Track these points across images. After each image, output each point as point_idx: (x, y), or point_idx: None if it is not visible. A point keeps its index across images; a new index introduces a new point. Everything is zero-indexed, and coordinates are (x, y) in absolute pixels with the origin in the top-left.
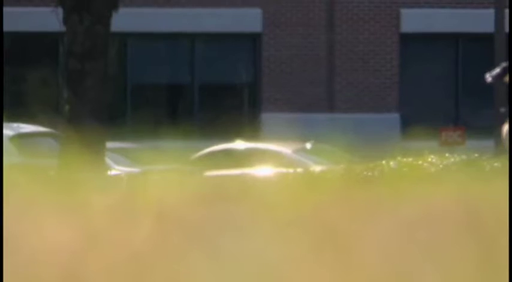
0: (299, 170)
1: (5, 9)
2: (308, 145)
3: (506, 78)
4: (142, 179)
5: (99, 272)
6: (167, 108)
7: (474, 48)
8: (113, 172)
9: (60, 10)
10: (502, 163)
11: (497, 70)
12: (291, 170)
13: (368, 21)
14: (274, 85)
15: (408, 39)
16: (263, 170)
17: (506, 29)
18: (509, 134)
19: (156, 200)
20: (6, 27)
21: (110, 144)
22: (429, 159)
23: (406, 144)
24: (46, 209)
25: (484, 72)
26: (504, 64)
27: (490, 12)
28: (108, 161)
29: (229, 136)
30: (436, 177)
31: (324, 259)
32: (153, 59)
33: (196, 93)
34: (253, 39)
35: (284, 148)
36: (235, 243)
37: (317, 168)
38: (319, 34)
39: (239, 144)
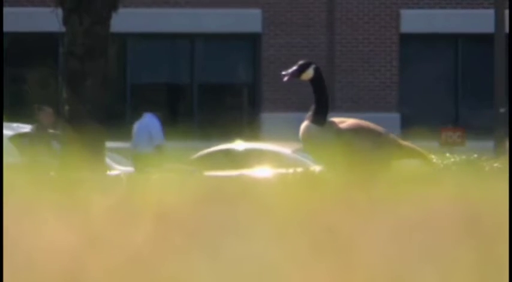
0: (299, 170)
1: (5, 9)
2: None
3: (304, 76)
4: (142, 179)
5: (98, 273)
6: (167, 108)
7: (474, 49)
8: (112, 172)
9: (60, 10)
10: (502, 164)
11: (293, 68)
12: (290, 170)
13: (368, 22)
14: (273, 85)
15: (408, 40)
16: (263, 171)
17: (506, 29)
18: (510, 135)
19: (156, 200)
20: (6, 27)
21: (110, 144)
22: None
23: None
24: (46, 209)
25: (484, 72)
26: (301, 62)
27: (490, 12)
28: (108, 160)
29: (228, 136)
30: (436, 177)
31: (324, 259)
32: (152, 59)
33: (196, 94)
34: (253, 39)
35: (284, 148)
36: (235, 243)
37: (317, 168)
38: (319, 34)
39: (239, 145)
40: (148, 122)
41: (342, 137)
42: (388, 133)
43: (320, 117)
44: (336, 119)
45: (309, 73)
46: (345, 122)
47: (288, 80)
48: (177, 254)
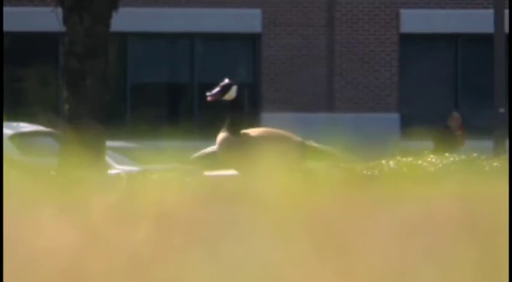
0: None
1: (5, 9)
2: None
3: (227, 96)
4: (142, 179)
5: (98, 272)
6: (167, 108)
7: (473, 49)
8: (112, 171)
9: (60, 10)
10: (502, 163)
11: (217, 88)
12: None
13: (368, 22)
14: (273, 85)
15: (408, 40)
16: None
17: (506, 30)
18: (510, 135)
19: (156, 200)
20: (6, 27)
21: (110, 143)
22: (429, 159)
23: (406, 144)
24: (46, 209)
25: (484, 72)
26: (224, 82)
27: (490, 12)
28: (108, 160)
29: None
30: (436, 177)
31: (324, 259)
32: (153, 59)
33: (196, 93)
34: (253, 39)
35: None
36: (235, 243)
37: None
38: (319, 34)
39: None
40: None
41: None
42: None
43: None
44: None
45: None
46: None
47: (212, 99)
48: (177, 253)
